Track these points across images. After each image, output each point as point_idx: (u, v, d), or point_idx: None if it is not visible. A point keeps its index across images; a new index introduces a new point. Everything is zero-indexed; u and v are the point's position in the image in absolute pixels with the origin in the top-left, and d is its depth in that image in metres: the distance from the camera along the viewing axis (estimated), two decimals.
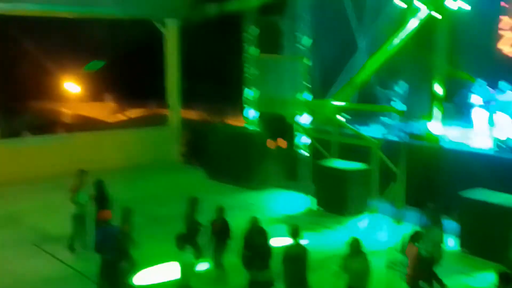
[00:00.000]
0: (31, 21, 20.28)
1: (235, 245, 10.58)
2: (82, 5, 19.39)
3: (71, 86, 33.35)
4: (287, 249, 9.52)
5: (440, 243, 10.39)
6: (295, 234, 9.56)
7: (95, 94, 34.15)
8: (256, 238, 10.02)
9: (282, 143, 19.30)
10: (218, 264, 11.19)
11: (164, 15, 21.33)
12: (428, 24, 17.50)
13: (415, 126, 16.05)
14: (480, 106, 16.27)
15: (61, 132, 25.09)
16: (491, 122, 15.96)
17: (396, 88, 17.95)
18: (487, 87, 16.50)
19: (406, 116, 15.01)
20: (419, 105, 17.06)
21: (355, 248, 9.07)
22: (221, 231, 11.07)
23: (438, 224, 10.53)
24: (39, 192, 17.34)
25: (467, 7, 16.62)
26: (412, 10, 17.41)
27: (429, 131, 15.42)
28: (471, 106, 16.55)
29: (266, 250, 9.72)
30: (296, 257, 9.36)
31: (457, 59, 17.43)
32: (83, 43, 25.84)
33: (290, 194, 17.49)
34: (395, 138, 16.18)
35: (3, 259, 12.43)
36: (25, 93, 27.05)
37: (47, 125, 26.92)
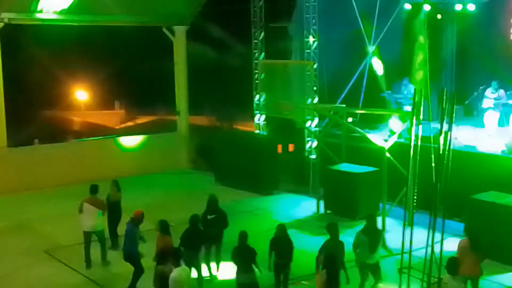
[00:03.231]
0: (42, 29, 20.45)
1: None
2: (93, 14, 19.52)
3: (81, 94, 33.62)
4: (326, 245, 9.65)
5: None
6: (333, 230, 9.70)
7: (105, 102, 34.44)
8: (284, 244, 10.10)
9: (291, 147, 19.31)
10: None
11: (173, 22, 21.41)
12: (436, 25, 17.50)
13: (425, 128, 16.00)
14: (492, 108, 16.22)
15: (71, 140, 25.24)
16: (502, 124, 15.90)
17: (405, 90, 17.94)
18: (499, 88, 16.45)
19: (415, 118, 14.94)
20: (429, 107, 17.01)
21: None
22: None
23: None
24: (50, 199, 17.40)
25: (472, 8, 16.60)
26: (420, 12, 17.42)
27: (439, 133, 15.33)
28: (482, 108, 16.51)
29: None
30: (333, 253, 9.39)
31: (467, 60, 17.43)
32: (93, 51, 26.06)
33: (299, 198, 17.47)
34: (404, 141, 16.13)
35: (16, 266, 12.47)
36: (36, 101, 27.31)
37: (57, 133, 27.12)
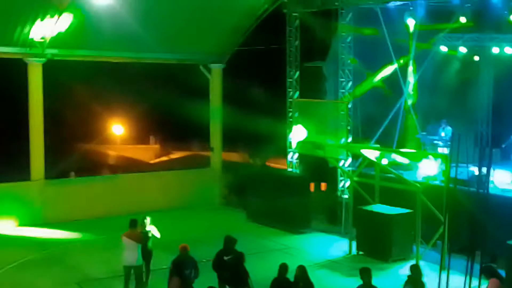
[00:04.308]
0: (81, 64, 21.03)
1: None
2: (133, 51, 20.04)
3: (118, 128, 34.20)
4: None
5: None
6: (366, 275, 9.49)
7: (140, 136, 34.94)
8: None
9: (324, 186, 19.22)
10: None
11: (210, 60, 21.79)
12: (472, 68, 17.43)
13: (460, 171, 15.79)
14: None
15: (106, 173, 25.59)
16: None
17: (442, 132, 17.79)
18: None
19: (451, 161, 14.77)
20: (464, 150, 16.83)
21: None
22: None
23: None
24: (85, 232, 17.58)
25: (510, 51, 16.49)
26: (455, 55, 17.40)
27: (475, 176, 15.12)
28: None
29: None
30: None
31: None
32: (130, 86, 26.58)
33: (331, 238, 17.30)
34: (439, 183, 15.93)
35: None
36: (73, 135, 27.87)
37: (93, 166, 27.54)
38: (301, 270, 10.10)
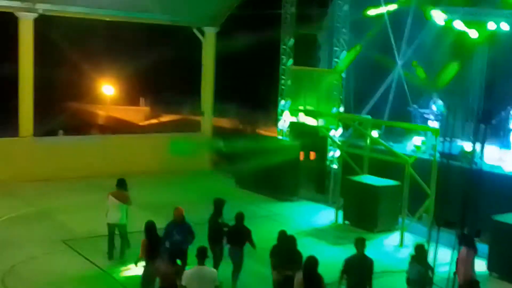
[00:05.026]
0: (73, 22, 20.73)
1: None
2: (127, 11, 19.75)
3: (108, 88, 33.94)
4: (351, 260, 9.39)
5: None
6: (360, 245, 9.41)
7: (131, 97, 34.71)
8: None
9: (313, 155, 19.25)
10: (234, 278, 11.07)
11: (203, 23, 21.54)
12: (466, 43, 17.35)
13: (450, 146, 15.85)
14: None
15: (95, 134, 25.48)
16: None
17: (433, 107, 17.79)
18: None
19: (441, 135, 14.81)
20: (455, 125, 16.87)
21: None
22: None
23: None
24: (72, 190, 17.60)
25: (506, 27, 16.41)
26: (451, 29, 17.29)
27: (464, 151, 15.21)
28: (510, 128, 16.31)
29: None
30: (360, 268, 9.22)
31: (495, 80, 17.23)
32: (122, 46, 26.29)
33: (318, 207, 17.42)
34: (428, 157, 16.00)
35: (33, 255, 12.56)
36: (63, 93, 27.63)
37: (82, 126, 27.41)
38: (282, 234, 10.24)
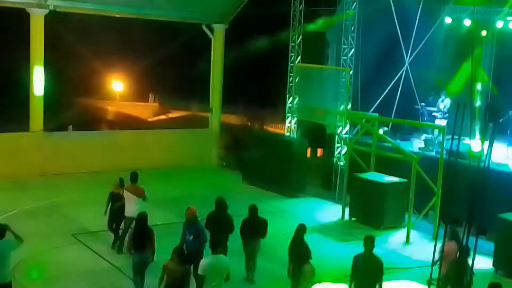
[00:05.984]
0: (84, 19, 20.90)
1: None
2: (137, 7, 19.93)
3: (118, 84, 34.15)
4: (358, 258, 9.27)
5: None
6: (368, 244, 9.18)
7: (140, 93, 34.93)
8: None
9: (320, 152, 19.35)
10: None
11: (213, 20, 21.65)
12: (474, 41, 17.37)
13: (456, 144, 15.88)
14: None
15: (104, 129, 25.66)
16: None
17: (440, 105, 17.84)
18: None
19: (447, 133, 14.87)
20: (462, 123, 16.88)
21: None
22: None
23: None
24: (81, 185, 17.77)
25: None
26: (459, 27, 17.32)
27: (471, 149, 15.26)
28: None
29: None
30: (366, 268, 9.12)
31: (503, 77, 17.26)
32: (131, 42, 26.47)
33: (325, 203, 17.51)
34: (434, 155, 16.07)
35: (42, 248, 12.70)
36: (73, 88, 27.85)
37: (91, 121, 27.62)
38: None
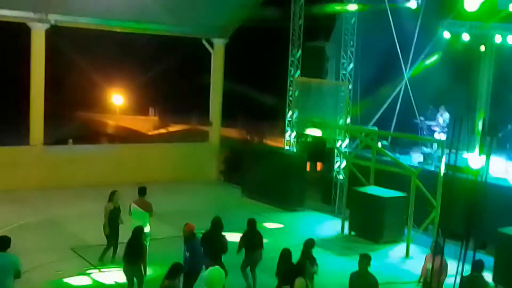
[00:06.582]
0: (84, 33, 21.01)
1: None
2: (137, 22, 20.02)
3: (118, 98, 34.26)
4: (353, 276, 9.20)
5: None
6: (363, 262, 9.14)
7: (140, 107, 35.04)
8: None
9: (319, 166, 19.36)
10: None
11: (213, 35, 21.77)
12: (473, 56, 17.45)
13: (456, 158, 15.91)
14: None
15: (104, 143, 25.70)
16: None
17: (439, 119, 17.89)
18: None
19: (447, 147, 14.90)
20: (461, 137, 16.91)
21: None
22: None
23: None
24: (81, 199, 17.74)
25: None
26: (458, 42, 17.40)
27: (470, 163, 15.29)
28: None
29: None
30: (364, 286, 9.05)
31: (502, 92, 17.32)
32: (132, 57, 26.62)
33: (324, 217, 17.49)
34: (434, 169, 16.08)
35: (41, 262, 12.66)
36: (73, 102, 27.96)
37: (91, 134, 27.68)
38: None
